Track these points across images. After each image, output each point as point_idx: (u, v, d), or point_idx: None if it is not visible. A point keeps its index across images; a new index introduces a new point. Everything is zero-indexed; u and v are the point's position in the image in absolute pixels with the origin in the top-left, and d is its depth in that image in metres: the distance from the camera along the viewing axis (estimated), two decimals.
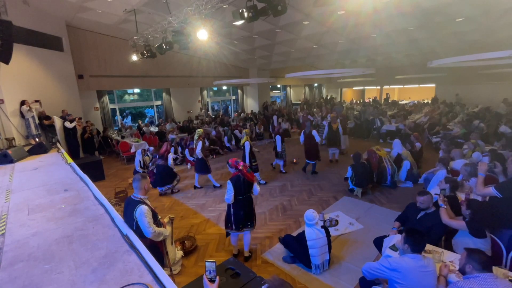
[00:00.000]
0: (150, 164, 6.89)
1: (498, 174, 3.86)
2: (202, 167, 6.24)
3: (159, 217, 2.89)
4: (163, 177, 6.14)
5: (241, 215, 3.50)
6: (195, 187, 6.44)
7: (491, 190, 2.90)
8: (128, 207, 2.65)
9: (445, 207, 2.92)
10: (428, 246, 2.63)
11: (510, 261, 2.60)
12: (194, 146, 6.27)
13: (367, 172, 5.62)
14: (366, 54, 13.57)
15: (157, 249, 2.73)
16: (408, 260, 2.14)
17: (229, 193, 3.36)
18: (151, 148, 7.62)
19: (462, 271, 1.99)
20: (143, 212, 2.51)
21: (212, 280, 1.61)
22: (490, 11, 7.42)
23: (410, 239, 2.18)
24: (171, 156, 6.23)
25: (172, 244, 3.23)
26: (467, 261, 1.92)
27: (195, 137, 6.23)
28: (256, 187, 3.48)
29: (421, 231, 2.23)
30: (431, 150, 8.63)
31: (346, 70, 12.95)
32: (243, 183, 3.39)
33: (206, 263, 1.62)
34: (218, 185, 6.43)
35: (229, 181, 3.38)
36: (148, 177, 2.79)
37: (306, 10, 7.71)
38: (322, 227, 3.35)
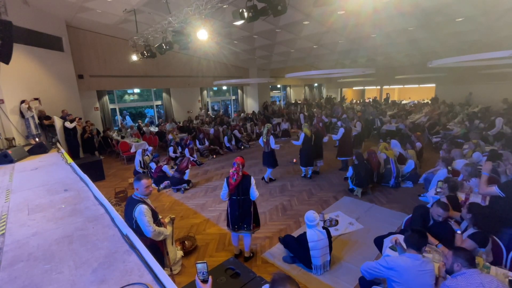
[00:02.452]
0: (151, 165, 6.89)
1: (500, 174, 3.87)
2: (273, 160, 6.33)
3: (160, 217, 2.89)
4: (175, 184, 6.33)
5: (236, 215, 3.50)
6: (271, 180, 6.59)
7: (494, 189, 2.91)
8: (128, 206, 2.66)
9: (444, 197, 3.07)
10: (428, 246, 2.63)
11: (510, 261, 2.60)
12: (265, 140, 6.24)
13: (368, 172, 5.62)
14: (366, 54, 13.57)
15: (158, 249, 2.73)
16: (405, 259, 2.15)
17: (223, 190, 3.50)
18: (150, 148, 7.62)
19: (449, 271, 2.01)
20: (142, 211, 2.53)
21: (204, 281, 1.61)
22: (490, 11, 7.42)
23: (409, 235, 2.18)
24: (188, 171, 6.30)
25: (172, 244, 3.23)
26: (454, 260, 1.96)
27: (264, 131, 6.24)
28: (254, 191, 3.40)
29: (423, 231, 2.21)
30: (431, 150, 8.63)
31: (346, 70, 12.93)
32: (237, 184, 3.39)
33: (197, 265, 1.62)
34: (273, 178, 6.61)
35: (226, 178, 3.47)
36: (149, 177, 2.78)
37: (306, 10, 7.71)
38: (323, 228, 3.34)
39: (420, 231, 2.19)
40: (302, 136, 6.37)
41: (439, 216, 2.77)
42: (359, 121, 8.35)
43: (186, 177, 6.27)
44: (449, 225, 2.79)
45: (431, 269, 2.12)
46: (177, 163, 8.10)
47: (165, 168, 6.53)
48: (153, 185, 6.27)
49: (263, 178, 6.61)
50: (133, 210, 2.56)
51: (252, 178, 3.42)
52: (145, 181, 2.66)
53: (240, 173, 3.39)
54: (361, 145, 8.07)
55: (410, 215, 3.44)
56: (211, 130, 10.33)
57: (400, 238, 2.88)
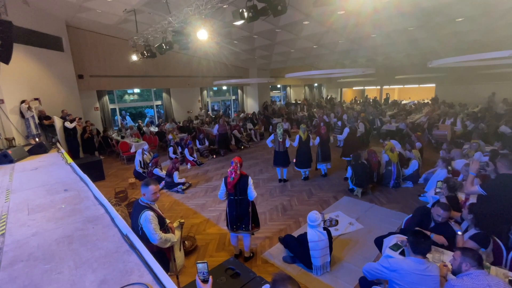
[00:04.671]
0: (150, 164, 6.90)
1: (490, 173, 3.89)
2: (288, 159, 6.40)
3: (168, 222, 2.77)
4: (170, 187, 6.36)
5: (233, 215, 3.50)
6: (285, 180, 6.63)
7: (477, 188, 2.94)
8: (134, 212, 2.58)
9: (443, 197, 3.07)
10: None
11: (510, 261, 2.60)
12: (280, 140, 6.23)
13: (367, 172, 5.62)
14: (366, 54, 13.57)
15: (164, 255, 2.64)
16: (409, 262, 2.13)
17: (220, 190, 3.52)
18: (146, 146, 7.64)
19: (456, 271, 2.00)
20: (148, 218, 2.44)
21: (205, 281, 1.61)
22: (490, 11, 7.42)
23: (411, 239, 2.17)
24: (176, 174, 6.28)
25: (180, 250, 3.01)
26: (463, 260, 1.94)
27: (280, 132, 6.19)
28: (251, 192, 3.37)
29: (426, 234, 2.17)
30: (431, 150, 8.63)
31: (346, 70, 12.95)
32: (235, 183, 3.39)
33: (198, 265, 1.62)
34: (286, 178, 6.63)
35: (224, 178, 3.48)
36: (157, 183, 2.68)
37: (306, 10, 7.71)
38: (324, 229, 3.34)
39: (424, 236, 2.14)
40: (297, 138, 6.36)
41: (439, 216, 2.75)
42: (362, 122, 8.37)
43: (176, 180, 6.23)
44: (450, 227, 2.77)
45: (436, 275, 2.07)
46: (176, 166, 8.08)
47: (156, 171, 6.55)
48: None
49: (284, 180, 6.59)
50: (139, 217, 2.47)
51: (249, 178, 3.42)
52: (152, 187, 2.57)
53: (238, 172, 3.38)
54: (367, 146, 8.07)
55: (410, 215, 3.44)
56: (216, 127, 9.29)
57: (400, 238, 2.89)
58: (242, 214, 3.48)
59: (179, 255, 2.90)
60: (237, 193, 3.43)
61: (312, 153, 6.54)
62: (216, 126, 9.41)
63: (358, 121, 9.15)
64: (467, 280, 1.86)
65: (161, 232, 2.50)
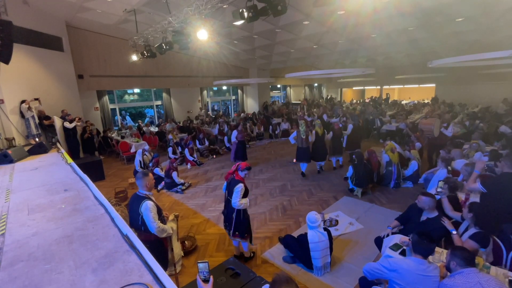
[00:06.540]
0: (150, 165, 6.90)
1: (498, 173, 3.88)
2: (310, 155, 6.74)
3: (164, 213, 2.96)
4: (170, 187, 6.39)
5: (222, 212, 3.66)
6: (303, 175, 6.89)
7: (477, 185, 2.95)
8: (134, 203, 2.76)
9: (445, 196, 3.11)
10: None
11: (510, 261, 2.60)
12: (303, 136, 6.51)
13: (368, 172, 5.62)
14: (366, 54, 13.58)
15: (162, 245, 2.81)
16: (409, 262, 2.13)
17: (224, 187, 3.60)
18: (147, 147, 7.64)
19: (447, 268, 2.03)
20: (148, 207, 2.61)
21: (206, 280, 1.62)
22: (490, 11, 7.42)
23: (415, 237, 2.16)
24: (175, 174, 6.29)
25: (178, 240, 3.29)
26: (451, 258, 1.96)
27: (303, 128, 6.44)
28: (234, 198, 3.20)
29: (431, 236, 2.15)
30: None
31: (346, 70, 12.95)
32: (226, 186, 3.47)
33: (199, 265, 1.63)
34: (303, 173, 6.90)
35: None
36: (151, 174, 2.87)
37: (306, 10, 7.72)
38: (324, 229, 3.33)
39: (429, 237, 2.13)
40: (313, 133, 6.71)
41: (421, 203, 2.85)
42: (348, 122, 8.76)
43: (176, 180, 6.24)
44: (441, 224, 2.79)
45: (436, 275, 2.06)
46: (178, 162, 8.06)
47: (156, 170, 6.55)
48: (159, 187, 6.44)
49: (303, 174, 6.88)
50: (139, 206, 2.65)
51: (240, 185, 3.21)
52: (151, 175, 2.84)
53: (234, 174, 3.40)
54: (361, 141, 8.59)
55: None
56: (234, 134, 7.83)
57: (398, 238, 2.89)
58: (227, 216, 3.51)
59: (177, 245, 3.19)
60: (228, 193, 3.46)
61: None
62: (234, 132, 7.79)
63: (344, 119, 9.43)
64: (459, 278, 1.87)
65: (159, 221, 2.69)
